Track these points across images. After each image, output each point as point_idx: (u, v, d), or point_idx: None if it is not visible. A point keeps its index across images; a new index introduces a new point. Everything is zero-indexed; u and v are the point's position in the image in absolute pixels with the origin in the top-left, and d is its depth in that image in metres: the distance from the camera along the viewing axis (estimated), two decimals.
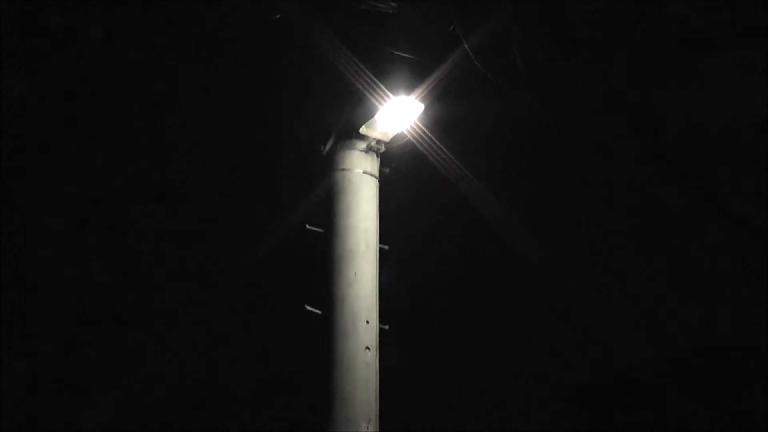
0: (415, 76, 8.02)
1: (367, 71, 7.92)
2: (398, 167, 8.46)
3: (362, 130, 8.15)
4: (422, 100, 7.99)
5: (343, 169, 8.27)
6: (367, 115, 8.07)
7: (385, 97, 7.92)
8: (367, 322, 8.15)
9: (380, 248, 8.25)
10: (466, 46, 7.98)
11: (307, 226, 8.22)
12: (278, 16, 7.92)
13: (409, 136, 8.29)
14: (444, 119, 8.27)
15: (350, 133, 8.27)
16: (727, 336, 19.44)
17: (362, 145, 8.27)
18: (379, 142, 8.29)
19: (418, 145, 8.30)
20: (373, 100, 7.94)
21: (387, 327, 8.24)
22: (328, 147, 8.29)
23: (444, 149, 8.45)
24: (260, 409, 16.24)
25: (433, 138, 8.27)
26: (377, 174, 8.34)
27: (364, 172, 8.25)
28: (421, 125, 8.16)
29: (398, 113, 8.03)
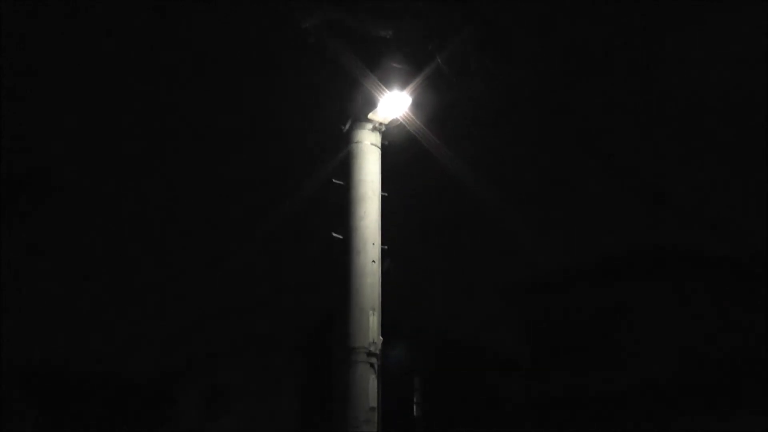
0: (405, 79, 9.44)
1: (373, 75, 9.37)
2: (393, 141, 9.88)
3: (369, 115, 9.53)
4: (410, 94, 9.38)
5: (357, 142, 9.63)
6: (373, 106, 9.39)
7: (385, 93, 9.40)
8: (373, 244, 9.52)
9: (381, 195, 9.71)
10: (438, 59, 9.46)
11: (333, 180, 9.67)
12: (313, 41, 9.36)
13: (401, 120, 9.76)
14: (426, 107, 9.68)
15: (361, 117, 9.57)
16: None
17: (369, 125, 9.61)
18: (381, 124, 9.63)
19: (407, 125, 9.78)
20: (376, 95, 9.36)
21: (386, 247, 9.69)
22: (347, 127, 9.59)
23: (425, 128, 9.90)
24: (298, 300, 17.66)
25: (416, 120, 9.76)
26: (379, 145, 9.66)
27: (371, 144, 9.63)
28: (409, 112, 9.62)
29: (394, 104, 9.37)
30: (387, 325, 9.68)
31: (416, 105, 9.67)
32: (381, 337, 9.49)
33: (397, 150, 9.97)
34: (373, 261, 9.62)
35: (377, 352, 9.45)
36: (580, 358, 22.47)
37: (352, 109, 9.74)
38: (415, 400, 20.65)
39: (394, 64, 9.49)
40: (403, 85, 9.51)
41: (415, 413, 20.30)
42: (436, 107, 9.85)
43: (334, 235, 9.61)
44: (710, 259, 22.04)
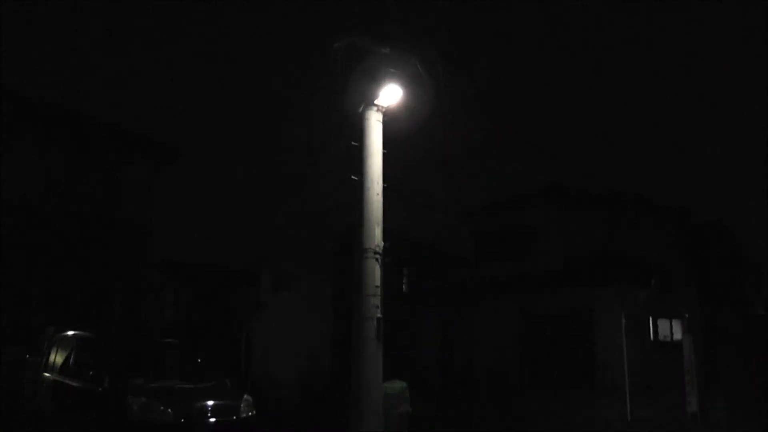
0: (398, 78, 10.55)
1: (378, 76, 10.51)
2: (390, 118, 10.99)
3: (375, 102, 10.74)
4: (401, 88, 10.52)
5: (367, 119, 10.73)
6: (377, 96, 10.49)
7: (385, 87, 10.54)
8: (377, 183, 10.78)
9: (383, 152, 10.86)
10: (418, 66, 10.60)
11: (353, 142, 10.88)
12: (341, 55, 10.48)
13: (395, 104, 10.94)
14: (411, 97, 10.79)
15: (370, 103, 10.77)
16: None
17: (375, 108, 10.71)
18: (382, 107, 10.83)
19: (399, 108, 10.94)
20: (380, 88, 10.48)
21: (386, 185, 10.88)
22: (361, 109, 10.76)
23: (411, 111, 11.06)
24: (332, 219, 18.56)
25: (405, 105, 10.92)
26: (381, 121, 10.82)
27: (376, 120, 10.77)
28: (401, 100, 10.78)
29: (390, 94, 10.50)
30: (385, 235, 10.90)
31: (405, 95, 10.59)
32: (383, 242, 10.75)
33: (392, 122, 11.06)
34: (378, 194, 10.79)
35: (380, 251, 10.68)
36: (509, 255, 23.93)
37: (364, 98, 10.65)
38: (404, 281, 21.65)
39: (391, 69, 10.55)
40: (397, 82, 10.49)
41: (404, 289, 21.33)
42: (418, 96, 10.98)
43: (353, 177, 10.84)
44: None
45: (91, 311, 15.97)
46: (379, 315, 10.51)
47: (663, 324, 21.13)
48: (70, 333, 10.81)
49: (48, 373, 10.62)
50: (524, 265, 23.14)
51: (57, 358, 10.56)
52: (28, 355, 12.40)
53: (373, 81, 10.62)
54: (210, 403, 8.80)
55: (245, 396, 9.25)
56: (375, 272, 10.59)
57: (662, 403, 18.70)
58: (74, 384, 9.67)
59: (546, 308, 21.45)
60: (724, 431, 16.14)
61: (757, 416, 18.50)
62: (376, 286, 10.57)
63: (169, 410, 8.43)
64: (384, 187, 10.72)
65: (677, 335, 20.83)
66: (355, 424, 10.40)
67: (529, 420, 18.48)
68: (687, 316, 19.80)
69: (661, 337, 20.96)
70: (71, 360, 10.13)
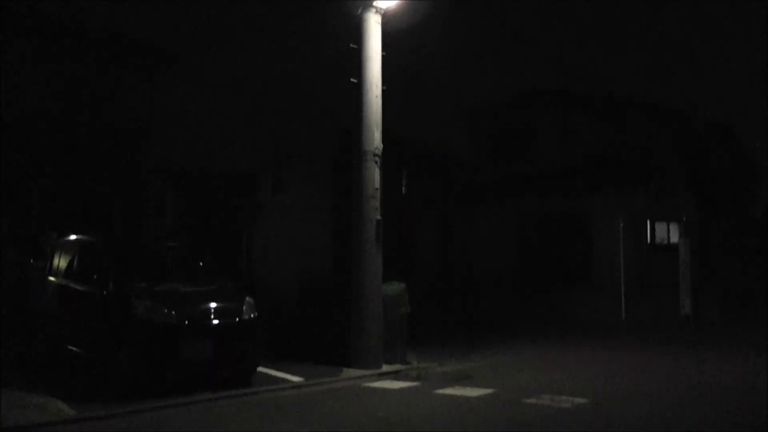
0: None
1: None
2: (389, 20, 10.91)
3: (375, 2, 10.68)
4: None
5: (366, 21, 10.75)
6: None
7: None
8: (377, 85, 10.75)
9: (381, 55, 10.81)
10: None
11: (351, 44, 10.81)
12: None
13: (394, 5, 10.84)
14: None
15: (370, 3, 10.69)
16: None
17: (374, 10, 10.67)
18: (381, 9, 10.74)
19: (398, 9, 10.86)
20: None
21: (385, 88, 10.86)
22: (359, 10, 10.68)
23: (411, 11, 10.97)
24: (331, 123, 18.39)
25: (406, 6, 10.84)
26: (380, 23, 10.77)
27: (375, 22, 10.71)
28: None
29: None
30: (385, 137, 10.92)
31: None
32: (381, 145, 10.80)
33: (392, 23, 10.97)
34: (377, 96, 10.81)
35: (379, 153, 10.76)
36: (509, 157, 24.03)
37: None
38: (403, 183, 21.66)
39: None
40: None
41: (403, 191, 21.36)
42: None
43: (352, 80, 10.81)
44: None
45: (92, 217, 16.07)
46: (378, 217, 10.70)
47: (660, 227, 21.38)
48: (73, 237, 10.90)
49: (53, 277, 10.77)
50: (524, 166, 23.20)
51: (61, 262, 10.69)
52: (32, 260, 12.54)
53: None
54: (212, 305, 8.95)
55: (247, 298, 9.40)
56: (374, 175, 10.73)
57: (656, 304, 19.08)
58: (79, 288, 9.82)
59: (545, 210, 21.62)
60: (714, 332, 16.53)
61: (748, 319, 18.94)
62: (376, 189, 10.73)
63: (173, 312, 8.59)
64: (383, 90, 10.76)
65: (674, 239, 21.10)
66: (355, 325, 10.67)
67: (527, 318, 18.90)
68: (684, 219, 20.01)
69: (658, 240, 21.24)
70: (75, 264, 10.27)
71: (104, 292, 9.19)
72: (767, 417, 7.56)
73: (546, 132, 23.48)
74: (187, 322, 8.72)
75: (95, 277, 9.54)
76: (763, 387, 9.07)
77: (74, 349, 9.75)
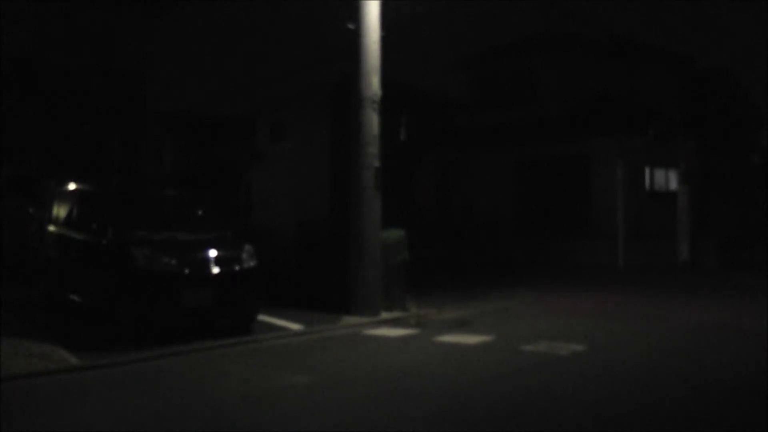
0: None
1: None
2: None
3: None
4: None
5: None
6: None
7: None
8: (375, 31, 10.59)
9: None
10: None
11: None
12: None
13: None
14: None
15: None
16: None
17: None
18: None
19: None
20: None
21: (384, 33, 10.69)
22: None
23: None
24: (329, 68, 18.21)
25: None
26: None
27: None
28: None
29: None
30: (383, 83, 10.81)
31: None
32: (380, 91, 10.71)
33: None
34: (375, 42, 10.68)
35: (378, 99, 10.68)
36: (508, 103, 23.85)
37: None
38: (402, 130, 21.58)
39: None
40: None
41: (401, 137, 21.31)
42: None
43: (350, 26, 10.67)
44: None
45: (91, 164, 16.01)
46: (377, 164, 10.65)
47: (659, 174, 21.35)
48: (72, 186, 10.87)
49: (52, 226, 10.79)
50: (523, 112, 23.06)
51: (60, 211, 10.69)
52: (31, 209, 12.54)
53: None
54: (212, 254, 8.94)
55: (246, 246, 9.41)
56: (372, 121, 10.66)
57: (654, 251, 19.18)
58: (78, 237, 9.82)
59: (544, 156, 21.58)
60: (711, 278, 16.62)
61: (746, 265, 19.06)
62: (374, 135, 10.66)
63: (173, 261, 8.62)
64: (382, 36, 10.61)
65: (673, 185, 21.08)
66: (354, 272, 10.72)
67: (526, 264, 19.00)
68: (683, 166, 19.99)
69: (656, 186, 21.23)
70: (74, 213, 10.26)
71: (103, 242, 9.21)
72: (766, 358, 7.66)
73: (545, 76, 23.27)
74: (186, 271, 8.75)
75: (94, 226, 9.54)
76: (759, 329, 9.19)
77: (75, 298, 9.85)
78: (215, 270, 8.95)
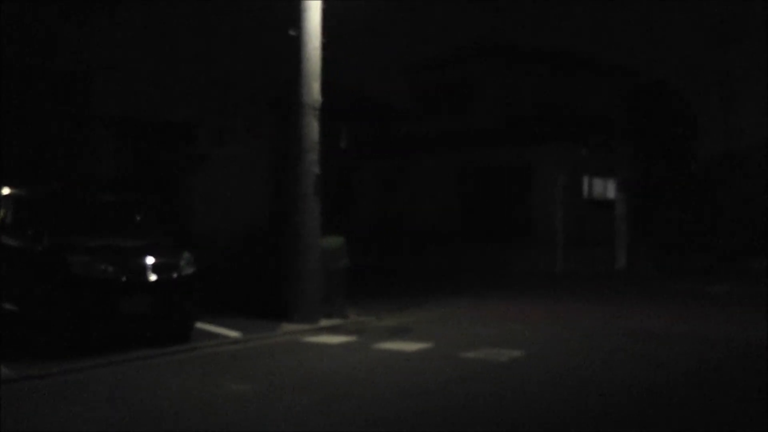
0: None
1: None
2: None
3: None
4: None
5: None
6: None
7: None
8: (315, 38, 10.65)
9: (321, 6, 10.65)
10: None
11: None
12: None
13: None
14: None
15: None
16: None
17: None
18: None
19: None
20: None
21: (324, 40, 10.75)
22: None
23: None
24: (270, 73, 18.11)
25: None
26: None
27: None
28: None
29: None
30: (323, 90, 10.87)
31: None
32: (320, 97, 10.76)
33: None
34: (315, 48, 10.74)
35: (318, 106, 10.73)
36: (449, 111, 24.14)
37: None
38: (342, 136, 21.68)
39: None
40: None
41: (341, 145, 21.40)
42: None
43: (291, 32, 10.70)
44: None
45: (28, 168, 15.67)
46: (317, 170, 10.68)
47: (598, 182, 21.77)
48: (6, 191, 10.65)
49: None
50: (465, 120, 23.28)
51: None
52: None
53: None
54: (150, 260, 8.85)
55: (185, 253, 9.33)
56: (313, 128, 10.68)
57: (592, 258, 19.58)
58: (13, 243, 9.62)
59: (485, 164, 21.77)
60: (645, 284, 17.00)
61: (681, 271, 19.57)
62: (314, 142, 10.69)
63: (110, 268, 8.52)
64: (322, 42, 10.66)
65: (612, 194, 21.53)
66: (293, 279, 10.71)
67: (466, 270, 19.17)
68: (622, 176, 20.44)
69: (596, 195, 21.64)
70: (9, 219, 10.05)
71: (39, 248, 9.05)
72: (697, 360, 8.08)
73: (487, 85, 23.55)
74: (124, 278, 8.64)
75: (30, 232, 9.36)
76: (688, 332, 9.58)
77: (9, 306, 9.59)
78: (153, 277, 8.86)
